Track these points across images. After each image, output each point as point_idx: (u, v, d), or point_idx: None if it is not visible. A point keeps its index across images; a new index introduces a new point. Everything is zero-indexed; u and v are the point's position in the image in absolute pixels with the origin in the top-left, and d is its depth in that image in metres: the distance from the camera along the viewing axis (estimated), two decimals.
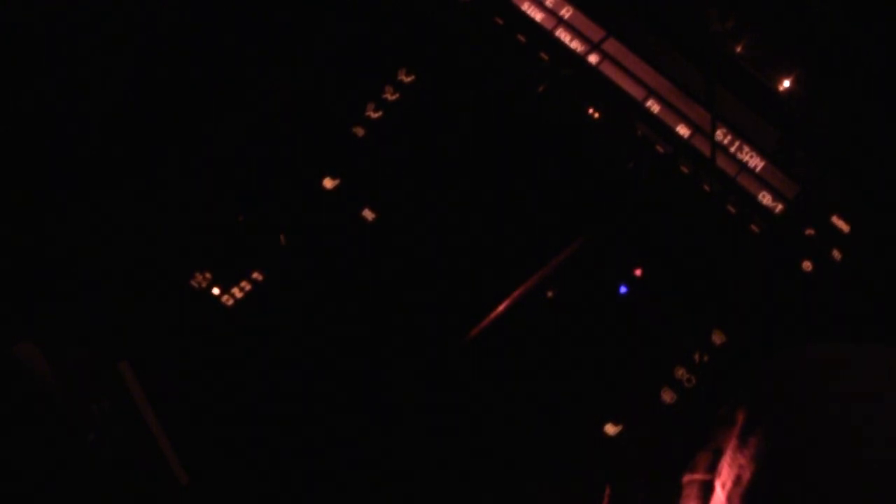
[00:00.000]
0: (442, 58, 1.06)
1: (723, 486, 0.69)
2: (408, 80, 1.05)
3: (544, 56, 1.05)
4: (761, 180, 1.01)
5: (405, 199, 1.00)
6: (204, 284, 0.95)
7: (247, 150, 1.02)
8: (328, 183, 1.01)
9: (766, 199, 1.01)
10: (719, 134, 1.01)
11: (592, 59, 1.05)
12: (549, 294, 0.96)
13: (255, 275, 0.96)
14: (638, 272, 0.97)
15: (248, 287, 0.96)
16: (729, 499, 0.68)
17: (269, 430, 0.90)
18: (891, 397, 0.67)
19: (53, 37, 1.04)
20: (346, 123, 1.03)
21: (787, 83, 1.06)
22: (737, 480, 0.68)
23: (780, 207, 1.01)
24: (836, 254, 0.98)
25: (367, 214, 0.99)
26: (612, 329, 0.95)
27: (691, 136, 1.02)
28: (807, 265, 0.98)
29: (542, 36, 1.07)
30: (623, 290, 0.97)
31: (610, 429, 0.92)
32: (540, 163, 1.01)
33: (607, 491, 0.89)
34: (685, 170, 1.01)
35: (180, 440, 0.88)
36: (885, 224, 1.00)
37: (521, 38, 1.06)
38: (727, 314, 0.96)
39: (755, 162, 1.02)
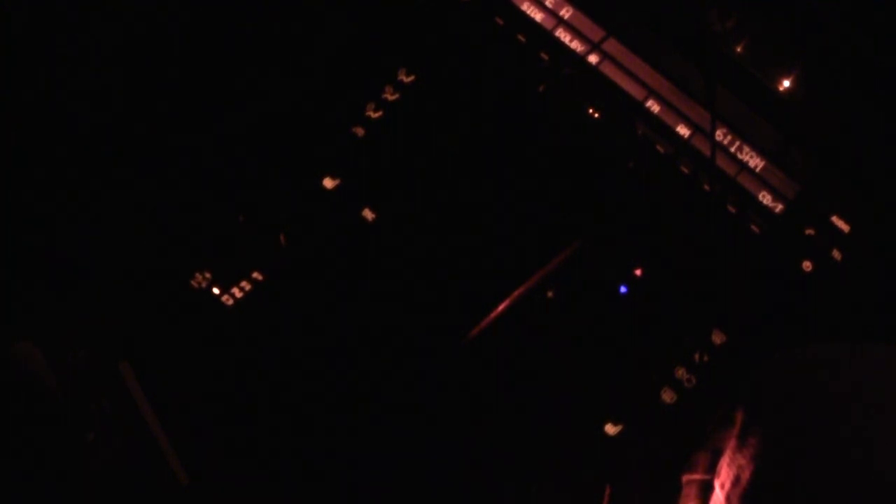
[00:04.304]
0: (442, 58, 1.06)
1: (722, 486, 0.69)
2: (408, 80, 1.05)
3: (544, 56, 1.06)
4: (761, 180, 1.01)
5: (405, 199, 1.00)
6: (204, 284, 0.95)
7: (247, 150, 1.02)
8: (328, 183, 1.01)
9: (766, 199, 1.01)
10: (719, 134, 1.02)
11: (592, 59, 1.05)
12: (549, 294, 0.96)
13: (255, 275, 0.96)
14: (638, 272, 0.97)
15: (248, 287, 0.96)
16: (728, 499, 0.68)
17: (270, 431, 0.90)
18: (890, 397, 0.67)
19: (53, 36, 1.04)
20: (346, 123, 1.03)
21: (787, 83, 1.06)
22: (736, 480, 0.68)
23: (780, 207, 1.01)
24: (836, 254, 0.98)
25: (367, 214, 0.99)
26: (613, 329, 0.95)
27: (691, 136, 1.02)
28: (807, 265, 0.98)
29: (542, 36, 1.07)
30: (623, 290, 0.97)
31: (610, 429, 0.92)
32: (540, 163, 1.01)
33: (607, 491, 0.89)
34: (685, 170, 1.01)
35: (180, 440, 0.88)
36: (885, 224, 1.00)
37: (521, 38, 1.06)
38: (727, 314, 0.96)
39: (755, 162, 1.02)
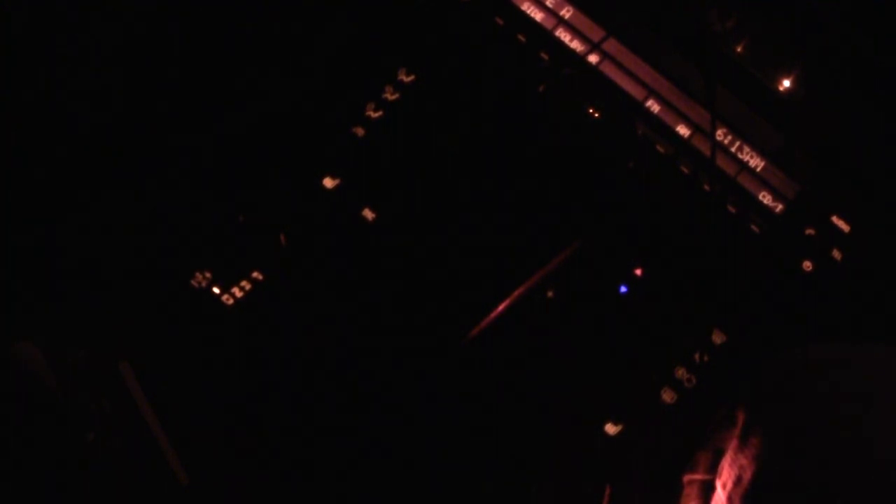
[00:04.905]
0: (442, 58, 1.06)
1: (723, 486, 0.69)
2: (408, 80, 1.05)
3: (544, 56, 1.06)
4: (761, 180, 1.01)
5: (405, 199, 1.00)
6: (204, 284, 0.95)
7: (247, 150, 1.02)
8: (328, 183, 1.01)
9: (766, 199, 1.01)
10: (719, 134, 1.02)
11: (592, 59, 1.05)
12: (549, 294, 0.96)
13: (255, 275, 0.96)
14: (638, 272, 0.97)
15: (248, 287, 0.96)
16: (729, 499, 0.68)
17: (270, 430, 0.90)
18: (891, 397, 0.67)
19: (53, 36, 1.04)
20: (346, 123, 1.03)
21: (787, 83, 1.06)
22: (737, 480, 0.68)
23: (780, 207, 1.01)
24: (836, 254, 0.98)
25: (367, 214, 0.99)
26: (613, 329, 0.95)
27: (691, 136, 1.02)
28: (807, 265, 0.98)
29: (542, 36, 1.07)
30: (623, 290, 0.97)
31: (610, 429, 0.92)
32: (540, 163, 1.01)
33: (607, 491, 0.89)
34: (685, 170, 1.01)
35: (180, 440, 0.88)
36: (885, 224, 1.00)
37: (521, 38, 1.06)
38: (727, 314, 0.96)
39: (755, 162, 1.02)
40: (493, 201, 0.99)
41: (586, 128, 1.02)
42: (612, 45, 1.06)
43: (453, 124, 1.03)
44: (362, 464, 0.89)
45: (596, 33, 1.06)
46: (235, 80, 1.06)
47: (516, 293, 0.94)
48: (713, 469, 0.72)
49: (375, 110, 1.04)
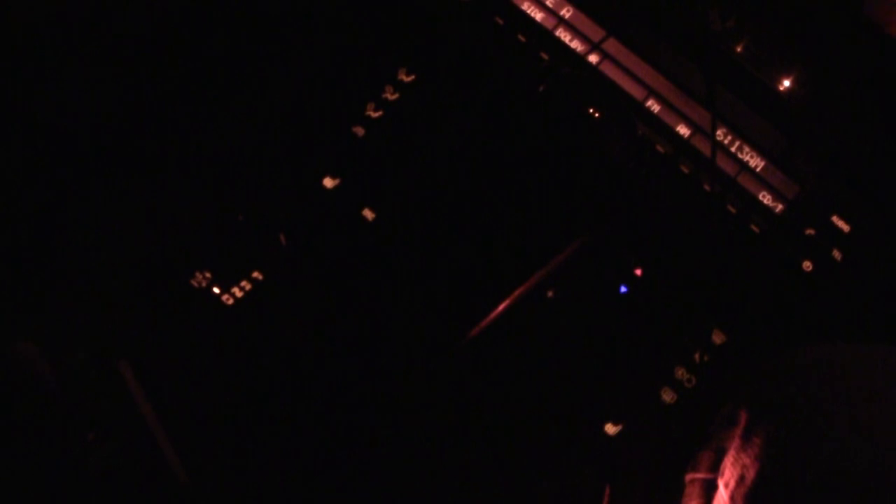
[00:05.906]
0: (442, 58, 1.06)
1: (726, 485, 0.69)
2: (408, 80, 1.05)
3: (544, 56, 1.06)
4: (761, 180, 1.01)
5: (405, 199, 1.00)
6: (204, 284, 0.95)
7: (247, 149, 1.02)
8: (328, 183, 1.01)
9: (766, 199, 1.01)
10: (719, 134, 1.02)
11: (592, 59, 1.05)
12: (549, 294, 0.96)
13: (255, 275, 0.96)
14: (638, 272, 0.97)
15: (248, 287, 0.96)
16: (732, 498, 0.68)
17: (270, 430, 0.90)
18: (891, 397, 0.67)
19: (54, 35, 1.04)
20: (346, 123, 1.03)
21: (787, 83, 1.06)
22: (740, 479, 0.68)
23: (780, 207, 1.01)
24: (836, 254, 0.98)
25: (367, 214, 0.99)
26: (613, 329, 0.95)
27: (691, 136, 1.02)
28: (807, 265, 0.98)
29: (542, 36, 1.07)
30: (623, 290, 0.97)
31: (610, 429, 0.92)
32: (540, 163, 1.01)
33: (607, 491, 0.89)
34: (685, 170, 1.01)
35: (180, 440, 0.88)
36: (885, 224, 1.00)
37: (521, 38, 1.06)
38: (727, 314, 0.96)
39: (755, 162, 1.02)
40: (494, 201, 0.99)
41: (586, 128, 1.02)
42: (612, 45, 1.06)
43: (453, 124, 1.03)
44: (362, 463, 0.89)
45: (596, 33, 1.06)
46: (236, 80, 1.06)
47: (516, 293, 0.94)
48: (715, 468, 0.72)
49: (375, 110, 1.04)
